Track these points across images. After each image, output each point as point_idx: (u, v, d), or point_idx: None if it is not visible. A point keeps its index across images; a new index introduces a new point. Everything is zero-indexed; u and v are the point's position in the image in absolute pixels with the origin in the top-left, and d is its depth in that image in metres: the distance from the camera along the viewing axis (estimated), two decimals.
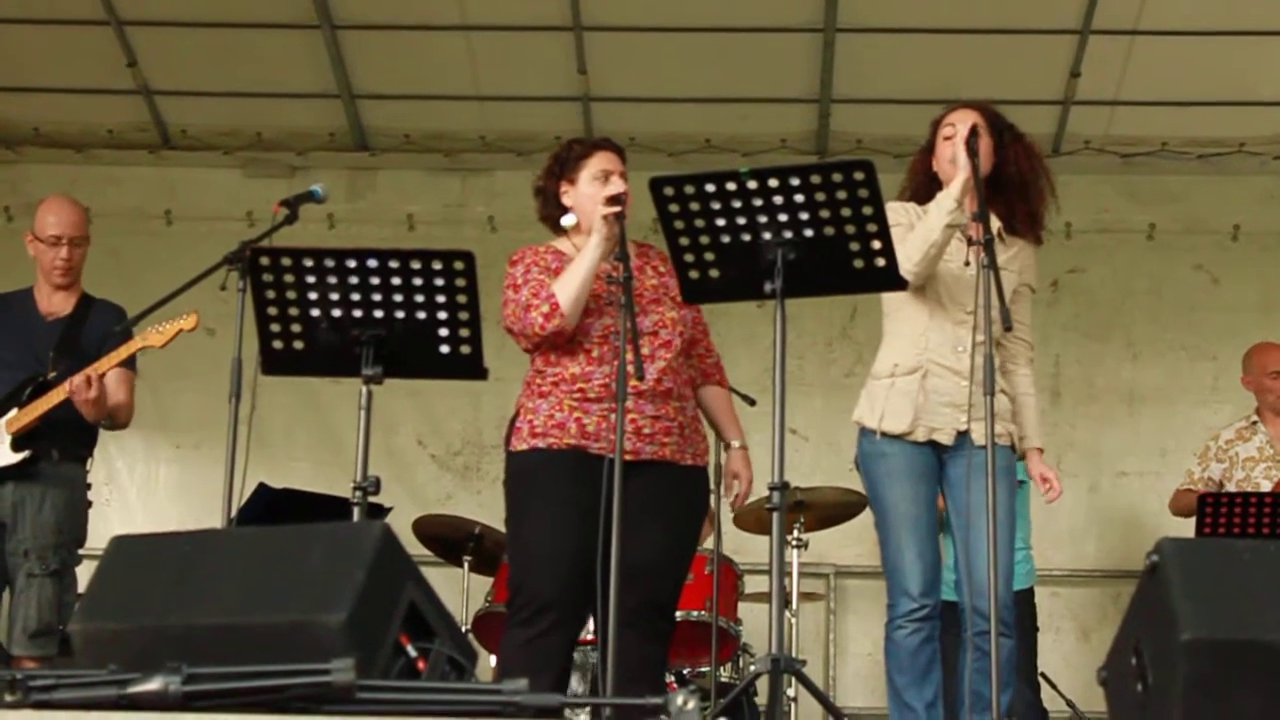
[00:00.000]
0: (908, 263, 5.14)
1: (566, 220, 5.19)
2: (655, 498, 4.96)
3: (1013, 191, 5.32)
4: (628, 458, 4.87)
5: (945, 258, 5.20)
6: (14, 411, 5.98)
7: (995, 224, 5.13)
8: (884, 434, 5.24)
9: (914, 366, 5.24)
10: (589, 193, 5.14)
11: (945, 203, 5.14)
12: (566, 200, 5.22)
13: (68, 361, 6.02)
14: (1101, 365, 8.76)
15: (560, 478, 5.00)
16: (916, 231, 5.19)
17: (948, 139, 5.29)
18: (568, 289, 5.02)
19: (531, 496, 5.07)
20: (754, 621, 7.20)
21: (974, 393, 4.98)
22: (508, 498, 5.19)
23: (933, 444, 5.20)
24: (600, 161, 5.20)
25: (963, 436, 5.18)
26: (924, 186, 5.41)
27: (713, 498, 5.39)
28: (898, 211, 5.26)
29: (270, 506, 6.47)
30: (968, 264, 5.02)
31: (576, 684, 6.32)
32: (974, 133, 5.18)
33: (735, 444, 5.34)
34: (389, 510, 6.49)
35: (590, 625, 5.41)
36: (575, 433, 5.02)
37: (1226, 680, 3.36)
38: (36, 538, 5.96)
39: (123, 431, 6.37)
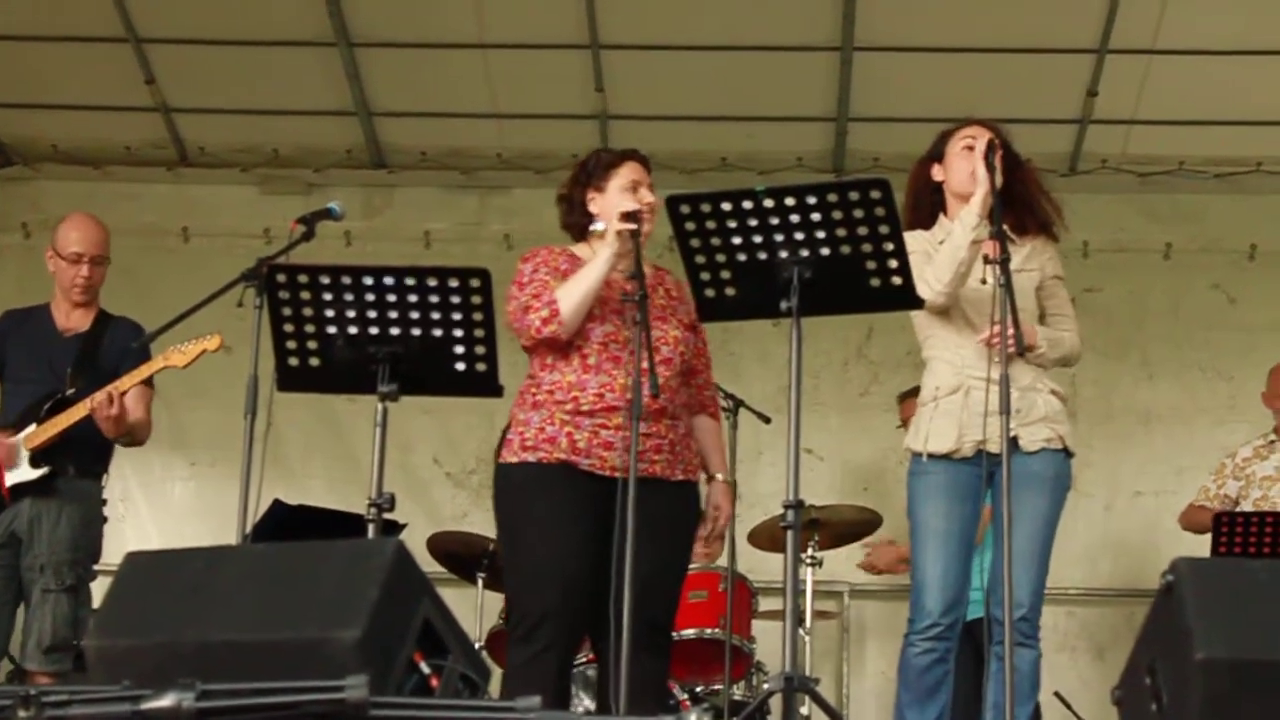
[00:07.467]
0: (938, 284, 5.14)
1: (596, 226, 5.15)
2: (644, 515, 4.81)
3: (1020, 206, 5.31)
4: (617, 474, 4.87)
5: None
6: (32, 427, 6.01)
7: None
8: (930, 455, 5.22)
9: (955, 386, 5.23)
10: (618, 202, 5.13)
11: (969, 219, 5.14)
12: (593, 208, 5.20)
13: (86, 378, 6.04)
14: (1118, 384, 8.72)
15: (550, 492, 4.98)
16: (943, 252, 5.19)
17: (969, 148, 5.28)
18: (571, 297, 5.01)
19: (523, 511, 5.04)
20: (768, 639, 7.19)
21: (1018, 398, 4.93)
22: (498, 512, 5.13)
23: (982, 456, 5.12)
24: (630, 172, 5.19)
25: (1012, 444, 4.99)
26: (925, 195, 5.42)
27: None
28: (910, 241, 5.26)
29: (285, 523, 6.46)
30: (984, 281, 5.02)
31: (588, 701, 6.31)
32: (991, 147, 5.18)
33: (719, 476, 5.31)
34: (403, 527, 6.49)
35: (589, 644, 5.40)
36: (565, 447, 5.00)
37: (1241, 700, 3.35)
38: (52, 553, 5.97)
39: (139, 448, 6.37)
